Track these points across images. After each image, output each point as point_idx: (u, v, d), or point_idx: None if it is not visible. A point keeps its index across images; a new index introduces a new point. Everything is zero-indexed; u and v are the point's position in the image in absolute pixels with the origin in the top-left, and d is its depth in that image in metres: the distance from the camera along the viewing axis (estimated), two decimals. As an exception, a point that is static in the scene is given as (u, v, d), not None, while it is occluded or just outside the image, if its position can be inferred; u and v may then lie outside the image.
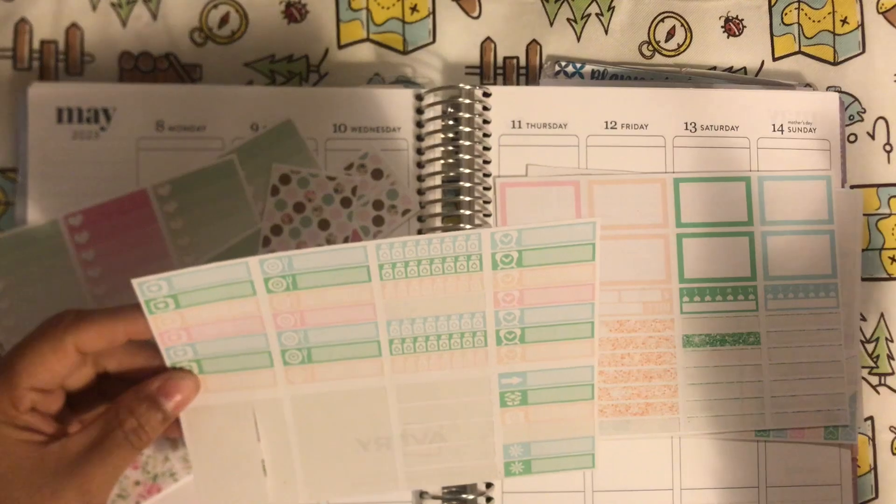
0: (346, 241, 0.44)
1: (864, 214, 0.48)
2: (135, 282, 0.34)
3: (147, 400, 0.36)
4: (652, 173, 0.45)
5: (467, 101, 0.44)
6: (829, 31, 0.49)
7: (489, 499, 0.42)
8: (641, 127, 0.45)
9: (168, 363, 0.36)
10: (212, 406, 0.38)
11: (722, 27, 0.49)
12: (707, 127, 0.46)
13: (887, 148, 0.49)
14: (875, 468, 0.47)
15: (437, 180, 0.44)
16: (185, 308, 0.35)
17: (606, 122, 0.45)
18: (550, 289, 0.37)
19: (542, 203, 0.44)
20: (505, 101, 0.45)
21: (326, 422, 0.39)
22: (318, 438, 0.39)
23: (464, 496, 0.42)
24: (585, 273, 0.36)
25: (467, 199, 0.43)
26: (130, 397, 0.36)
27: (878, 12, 0.50)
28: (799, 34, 0.49)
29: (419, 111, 0.44)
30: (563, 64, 0.47)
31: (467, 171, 0.44)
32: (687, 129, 0.46)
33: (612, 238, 0.44)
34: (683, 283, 0.45)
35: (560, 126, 0.45)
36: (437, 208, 0.44)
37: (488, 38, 0.47)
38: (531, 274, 0.36)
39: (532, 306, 0.37)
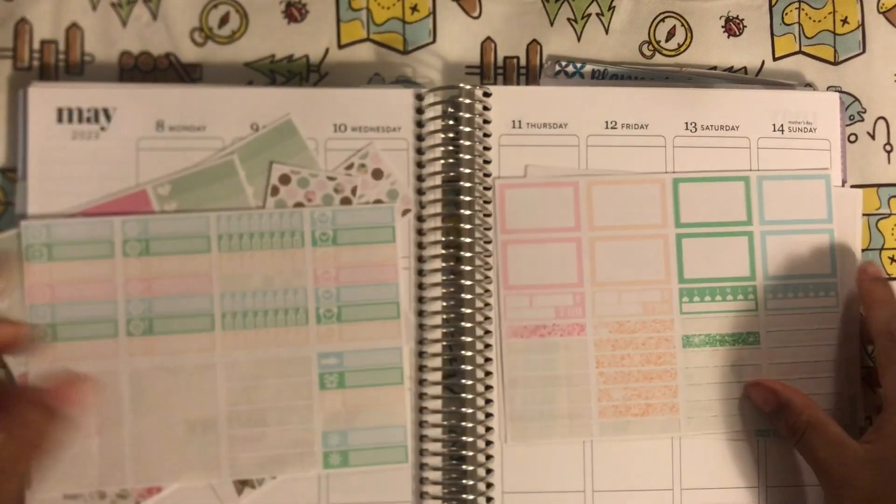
0: (346, 241, 0.44)
1: (864, 214, 0.48)
2: (23, 223, 0.40)
3: (37, 408, 0.35)
4: (651, 173, 0.45)
5: (467, 100, 0.44)
6: (829, 30, 0.49)
7: (489, 499, 0.42)
8: (642, 127, 0.45)
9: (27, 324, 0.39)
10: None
11: (722, 27, 0.49)
12: (707, 127, 0.46)
13: (887, 148, 0.49)
14: (875, 468, 0.47)
15: (437, 180, 0.44)
16: (55, 262, 0.40)
17: (607, 122, 0.45)
18: (361, 268, 0.41)
19: (540, 204, 0.44)
20: (505, 101, 0.45)
21: (159, 400, 0.40)
22: (149, 417, 0.40)
23: (464, 496, 0.42)
24: (388, 254, 0.42)
25: (467, 199, 0.43)
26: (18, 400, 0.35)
27: (879, 12, 0.50)
28: (799, 34, 0.49)
29: (419, 111, 0.44)
30: (564, 64, 0.47)
31: (467, 171, 0.44)
32: (687, 128, 0.46)
33: (612, 239, 0.44)
34: (683, 284, 0.44)
35: (560, 126, 0.45)
36: (437, 208, 0.44)
37: (488, 38, 0.47)
38: (345, 252, 0.41)
39: (346, 284, 0.41)
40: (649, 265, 0.44)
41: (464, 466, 0.42)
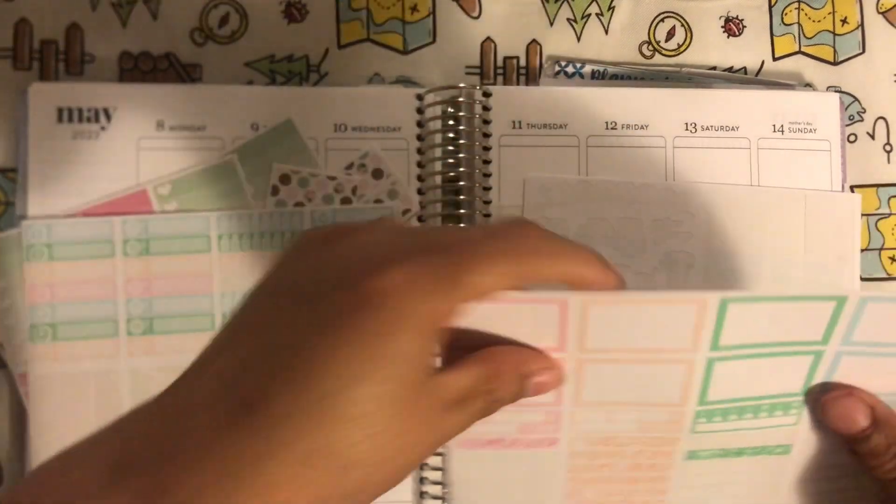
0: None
1: (864, 214, 0.48)
2: (24, 223, 0.40)
3: (520, 378, 0.29)
4: (687, 291, 0.34)
5: (467, 101, 0.44)
6: (829, 31, 0.49)
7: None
8: (642, 127, 0.45)
9: (29, 324, 0.39)
10: (58, 374, 0.39)
11: (722, 27, 0.49)
12: (707, 127, 0.46)
13: (887, 148, 0.49)
14: (875, 468, 0.47)
15: (437, 180, 0.44)
16: (56, 262, 0.40)
17: (607, 123, 0.45)
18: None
19: (517, 326, 0.29)
20: (505, 101, 0.45)
21: None
22: None
23: (464, 496, 0.42)
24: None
25: (467, 199, 0.43)
26: (510, 365, 0.29)
27: (878, 12, 0.50)
28: (799, 34, 0.49)
29: (419, 111, 0.44)
30: (563, 64, 0.47)
31: (467, 171, 0.44)
32: (687, 129, 0.46)
33: (609, 362, 0.30)
34: (702, 406, 0.32)
35: (560, 126, 0.45)
36: (437, 208, 0.44)
37: (488, 38, 0.47)
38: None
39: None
40: (660, 391, 0.32)
41: (464, 466, 0.42)
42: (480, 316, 0.28)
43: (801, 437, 0.34)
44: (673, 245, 0.45)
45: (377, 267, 0.26)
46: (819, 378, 0.32)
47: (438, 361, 0.27)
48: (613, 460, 0.34)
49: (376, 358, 0.25)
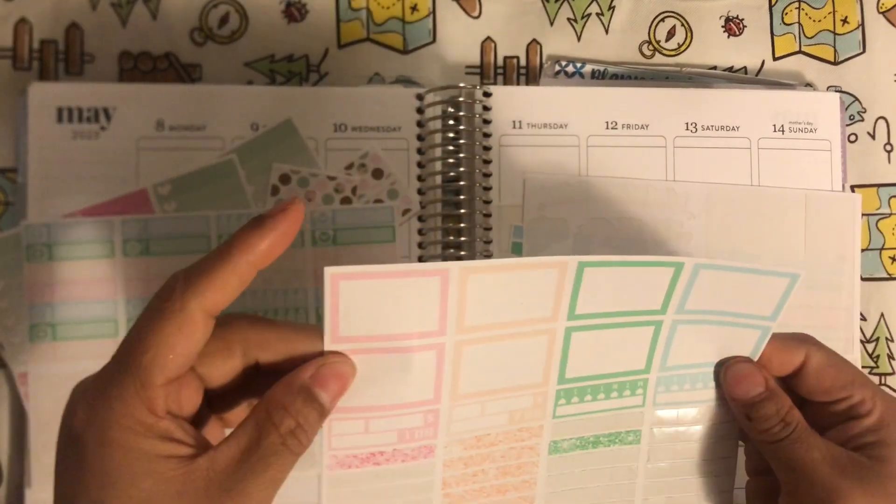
0: (346, 241, 0.44)
1: (864, 214, 0.48)
2: (24, 223, 0.41)
3: (302, 393, 0.29)
4: (547, 256, 0.38)
5: (468, 100, 0.44)
6: (829, 30, 0.49)
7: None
8: (642, 127, 0.45)
9: (29, 324, 0.40)
10: (58, 374, 0.40)
11: (722, 27, 0.49)
12: (708, 127, 0.46)
13: (887, 148, 0.49)
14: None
15: (437, 180, 0.44)
16: (56, 262, 0.41)
17: (607, 123, 0.45)
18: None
19: (392, 301, 0.30)
20: (505, 101, 0.45)
21: None
22: None
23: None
24: (388, 254, 0.42)
25: (467, 198, 0.43)
26: (282, 391, 0.29)
27: (878, 12, 0.50)
28: (799, 34, 0.49)
29: (420, 111, 0.44)
30: (564, 64, 0.47)
31: (467, 171, 0.44)
32: (688, 129, 0.46)
33: (484, 341, 0.32)
34: (562, 385, 0.34)
35: (561, 126, 0.45)
36: (437, 208, 0.44)
37: (488, 38, 0.47)
38: (345, 252, 0.42)
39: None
40: (526, 368, 0.33)
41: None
42: (364, 294, 0.29)
43: (648, 423, 0.37)
44: (674, 246, 0.45)
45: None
46: (659, 352, 0.35)
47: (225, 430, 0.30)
48: (484, 466, 0.35)
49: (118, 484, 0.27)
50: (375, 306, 0.29)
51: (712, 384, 0.37)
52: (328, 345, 0.30)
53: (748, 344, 0.36)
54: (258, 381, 0.30)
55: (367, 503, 0.34)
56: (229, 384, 0.31)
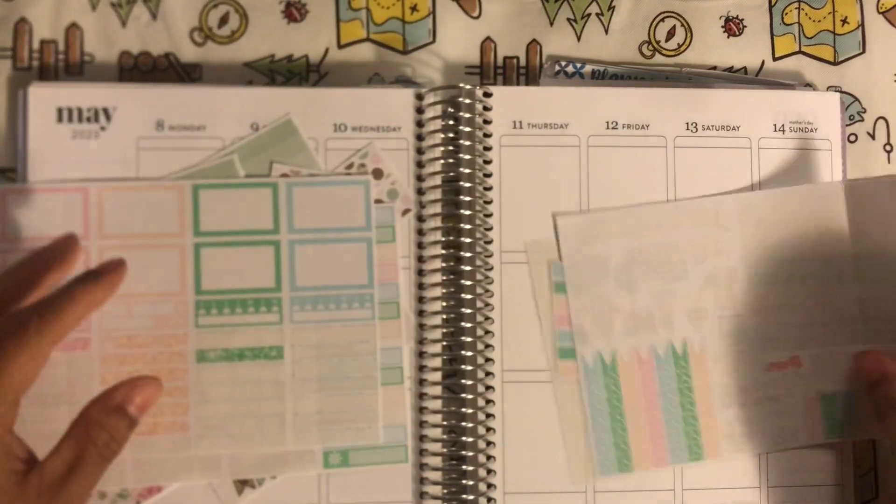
0: (345, 241, 0.44)
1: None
2: None
3: (115, 412, 0.36)
4: (167, 179, 0.42)
5: (468, 100, 0.44)
6: (829, 30, 0.49)
7: (490, 499, 0.42)
8: (643, 127, 0.45)
9: None
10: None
11: (722, 27, 0.49)
12: (708, 127, 0.46)
13: (887, 148, 0.49)
14: (875, 468, 0.47)
15: (437, 180, 0.44)
16: None
17: (607, 123, 0.45)
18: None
19: (43, 213, 0.41)
20: (506, 101, 0.45)
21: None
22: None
23: (464, 496, 0.42)
24: (388, 253, 0.42)
25: (467, 199, 0.43)
26: (97, 411, 0.36)
27: (878, 12, 0.50)
28: (799, 34, 0.49)
29: (419, 111, 0.44)
30: (564, 64, 0.47)
31: (467, 171, 0.44)
32: (688, 129, 0.46)
33: (123, 248, 0.41)
34: (200, 296, 0.41)
35: (561, 126, 0.45)
36: (437, 208, 0.44)
37: (488, 38, 0.47)
38: None
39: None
40: (164, 276, 0.41)
41: (464, 466, 0.42)
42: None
43: (288, 340, 0.42)
44: (714, 262, 0.45)
45: None
46: (285, 271, 0.42)
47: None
48: (138, 367, 0.41)
49: None
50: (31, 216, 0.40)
51: (344, 306, 0.42)
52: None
53: (360, 260, 0.42)
54: None
55: (36, 387, 0.36)
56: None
